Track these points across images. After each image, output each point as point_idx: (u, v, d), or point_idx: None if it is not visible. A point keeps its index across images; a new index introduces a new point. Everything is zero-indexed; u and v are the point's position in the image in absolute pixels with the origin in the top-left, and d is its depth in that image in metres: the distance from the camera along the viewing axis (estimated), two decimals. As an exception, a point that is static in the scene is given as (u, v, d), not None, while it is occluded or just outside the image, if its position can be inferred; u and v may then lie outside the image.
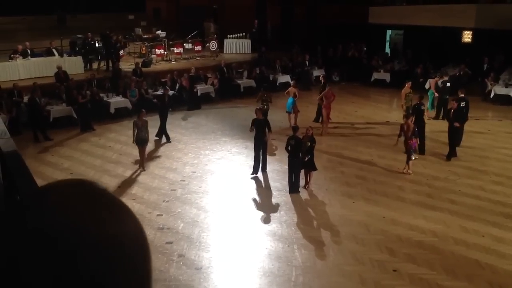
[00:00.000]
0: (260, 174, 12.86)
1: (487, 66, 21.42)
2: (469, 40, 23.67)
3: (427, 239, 9.64)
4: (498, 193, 11.80)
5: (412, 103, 15.89)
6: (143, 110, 13.43)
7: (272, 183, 12.27)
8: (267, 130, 12.75)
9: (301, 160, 11.60)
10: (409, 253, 9.15)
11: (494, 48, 22.11)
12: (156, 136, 15.28)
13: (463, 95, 15.17)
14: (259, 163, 12.80)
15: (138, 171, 13.09)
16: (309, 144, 11.77)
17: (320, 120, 16.80)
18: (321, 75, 19.28)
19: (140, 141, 12.91)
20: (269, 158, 13.52)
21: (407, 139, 12.75)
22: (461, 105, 14.83)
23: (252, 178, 12.63)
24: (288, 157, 11.73)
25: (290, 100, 16.36)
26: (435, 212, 10.81)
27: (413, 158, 12.88)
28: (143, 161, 13.16)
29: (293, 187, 11.70)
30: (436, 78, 18.55)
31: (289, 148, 11.60)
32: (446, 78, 18.20)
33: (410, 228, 10.10)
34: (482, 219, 10.48)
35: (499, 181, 12.53)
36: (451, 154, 13.93)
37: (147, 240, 0.78)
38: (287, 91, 17.17)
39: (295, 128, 12.01)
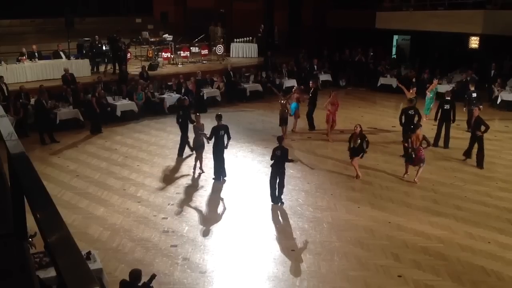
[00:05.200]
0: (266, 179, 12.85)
1: (494, 72, 21.35)
2: (476, 46, 23.62)
3: (433, 245, 9.60)
4: (505, 200, 11.74)
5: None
6: (198, 113, 13.69)
7: (277, 187, 12.24)
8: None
9: (285, 170, 11.29)
10: (414, 259, 9.12)
11: (501, 54, 22.04)
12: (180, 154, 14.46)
13: (448, 98, 15.37)
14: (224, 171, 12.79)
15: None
16: (359, 140, 12.17)
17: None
18: (311, 82, 17.58)
19: (200, 145, 13.00)
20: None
21: (414, 148, 12.48)
22: (445, 107, 15.04)
23: (257, 181, 12.62)
24: (271, 165, 11.31)
25: (293, 104, 16.35)
26: (441, 218, 10.77)
27: (421, 166, 12.61)
28: (202, 164, 13.19)
29: (275, 198, 11.38)
30: (435, 81, 18.48)
31: (274, 158, 11.18)
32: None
33: (415, 233, 10.07)
34: (488, 225, 10.43)
35: (506, 188, 12.48)
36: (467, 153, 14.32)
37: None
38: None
39: (280, 138, 11.48)
